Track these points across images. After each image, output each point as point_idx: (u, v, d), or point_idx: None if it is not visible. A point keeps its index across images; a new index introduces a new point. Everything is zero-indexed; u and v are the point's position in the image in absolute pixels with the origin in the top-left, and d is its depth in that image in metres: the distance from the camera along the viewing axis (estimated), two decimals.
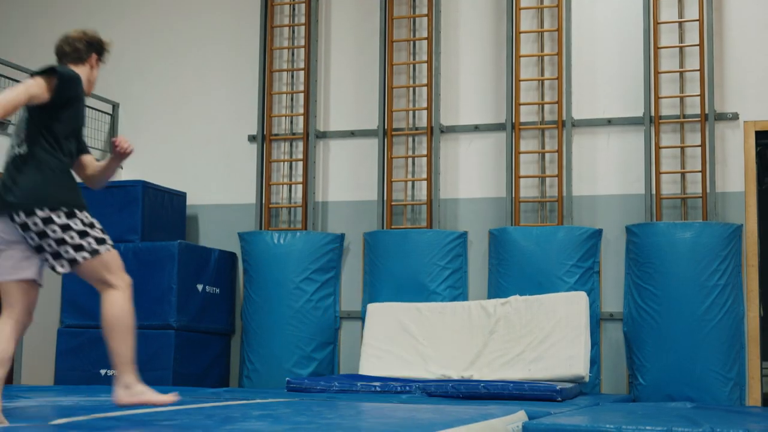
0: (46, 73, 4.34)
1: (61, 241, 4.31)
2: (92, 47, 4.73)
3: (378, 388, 7.37)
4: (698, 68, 8.72)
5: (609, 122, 8.99)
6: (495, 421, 4.43)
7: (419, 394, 7.23)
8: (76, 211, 4.37)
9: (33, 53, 10.56)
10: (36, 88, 4.28)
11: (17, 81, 9.36)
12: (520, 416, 4.81)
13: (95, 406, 4.85)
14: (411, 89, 9.55)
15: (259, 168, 9.75)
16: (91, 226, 4.42)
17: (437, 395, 7.14)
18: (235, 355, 9.63)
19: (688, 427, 4.77)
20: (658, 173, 8.74)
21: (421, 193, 9.40)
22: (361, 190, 9.55)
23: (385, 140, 9.45)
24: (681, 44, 8.87)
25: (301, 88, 9.78)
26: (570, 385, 7.54)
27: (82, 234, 4.34)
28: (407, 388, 7.32)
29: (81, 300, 9.12)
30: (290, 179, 9.80)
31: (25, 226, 4.29)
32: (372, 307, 8.84)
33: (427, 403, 6.27)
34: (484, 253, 9.07)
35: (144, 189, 9.27)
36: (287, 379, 7.74)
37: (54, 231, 4.32)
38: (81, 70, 4.67)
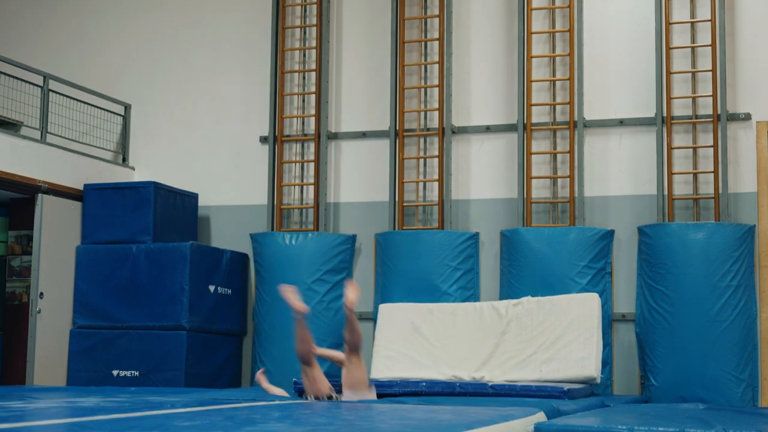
0: None
1: None
2: None
3: (386, 391, 7.32)
4: (710, 68, 8.72)
5: (621, 123, 8.99)
6: (515, 423, 4.43)
7: (427, 396, 7.18)
8: None
9: (44, 53, 10.61)
10: None
11: (27, 81, 9.39)
12: (539, 417, 4.82)
13: (115, 407, 4.86)
14: (422, 90, 9.56)
15: (270, 169, 9.76)
16: None
17: (444, 395, 7.10)
18: (246, 356, 9.64)
19: (701, 429, 4.76)
20: (671, 174, 8.74)
21: (433, 194, 9.41)
22: (373, 191, 9.56)
23: (397, 141, 9.46)
24: (693, 44, 8.87)
25: (313, 89, 9.79)
26: (579, 386, 7.54)
27: None
28: (413, 390, 7.27)
29: (93, 301, 9.15)
30: (302, 180, 9.82)
31: None
32: (384, 308, 8.84)
33: (437, 404, 6.25)
34: (495, 254, 9.08)
35: (156, 190, 9.29)
36: (294, 380, 7.72)
37: None
38: None
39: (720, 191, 8.56)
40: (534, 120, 9.18)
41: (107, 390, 7.26)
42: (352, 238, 9.41)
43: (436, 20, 9.49)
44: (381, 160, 9.55)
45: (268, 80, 9.91)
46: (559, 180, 9.10)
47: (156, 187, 9.31)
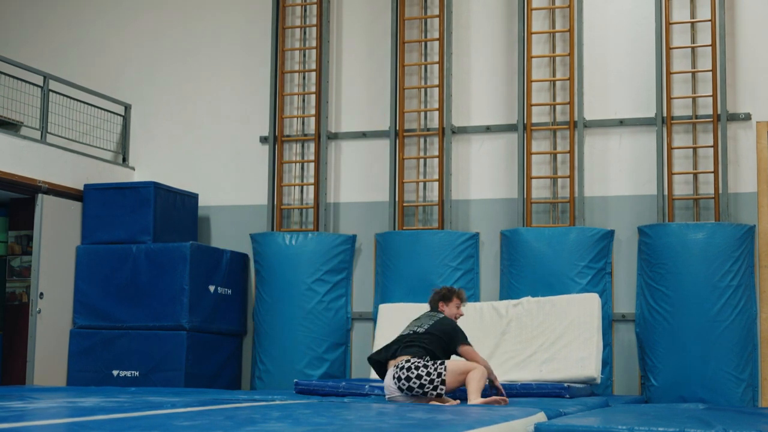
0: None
1: None
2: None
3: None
4: (710, 68, 8.72)
5: (621, 123, 8.99)
6: (515, 423, 4.43)
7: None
8: None
9: (45, 54, 10.61)
10: None
11: (27, 81, 9.39)
12: (539, 417, 4.82)
13: (115, 407, 4.86)
14: (422, 90, 9.56)
15: (270, 169, 9.76)
16: None
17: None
18: (246, 356, 9.64)
19: (701, 429, 4.75)
20: (671, 174, 8.74)
21: (433, 194, 9.41)
22: (373, 191, 9.56)
23: (397, 141, 9.46)
24: (693, 45, 8.87)
25: (313, 89, 9.79)
26: (580, 385, 7.54)
27: None
28: None
29: (93, 301, 9.15)
30: (302, 180, 9.81)
31: None
32: (384, 308, 8.84)
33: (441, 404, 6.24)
34: (495, 254, 9.08)
35: (156, 190, 9.29)
36: (295, 380, 7.70)
37: None
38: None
39: (720, 191, 8.56)
40: (534, 120, 9.18)
41: (107, 390, 7.26)
42: (352, 238, 9.41)
43: (436, 20, 9.49)
44: (381, 160, 9.55)
45: (268, 80, 9.91)
46: (559, 180, 9.10)
47: (156, 187, 9.31)
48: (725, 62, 8.68)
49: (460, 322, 6.69)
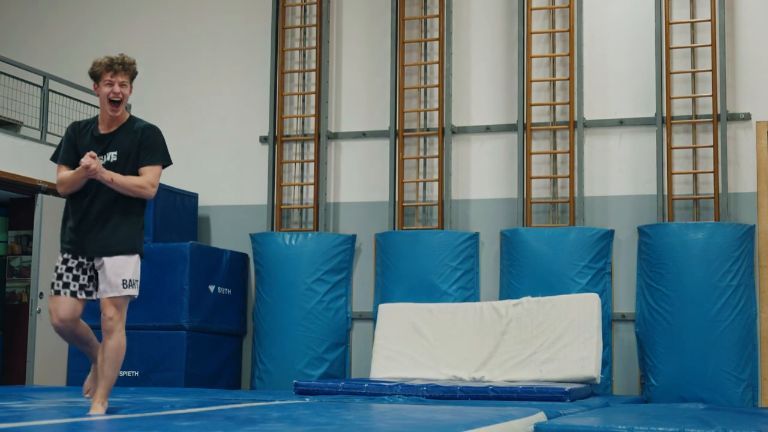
0: None
1: None
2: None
3: (386, 391, 7.27)
4: (710, 68, 8.72)
5: (621, 123, 8.99)
6: (514, 423, 4.44)
7: (428, 397, 7.13)
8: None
9: (45, 54, 10.60)
10: None
11: (29, 82, 9.39)
12: (539, 417, 4.82)
13: (114, 408, 4.87)
14: (422, 90, 9.56)
15: (270, 169, 9.76)
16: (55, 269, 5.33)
17: (446, 398, 7.07)
18: (246, 356, 9.64)
19: (701, 429, 4.76)
20: (670, 174, 8.74)
21: (433, 194, 9.41)
22: (373, 191, 9.56)
23: (397, 141, 9.46)
24: (693, 44, 8.87)
25: (313, 89, 9.79)
26: (580, 386, 7.54)
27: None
28: (415, 391, 7.22)
29: (93, 301, 9.13)
30: (302, 180, 9.82)
31: None
32: (383, 308, 8.84)
33: (440, 404, 6.24)
34: (495, 254, 9.08)
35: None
36: (294, 381, 7.69)
37: None
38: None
39: (720, 191, 8.56)
40: (534, 120, 9.18)
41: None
42: (352, 238, 9.41)
43: (436, 20, 9.49)
44: (381, 160, 9.55)
45: (268, 80, 9.91)
46: (559, 180, 9.10)
47: None
48: (725, 62, 8.68)
49: None
